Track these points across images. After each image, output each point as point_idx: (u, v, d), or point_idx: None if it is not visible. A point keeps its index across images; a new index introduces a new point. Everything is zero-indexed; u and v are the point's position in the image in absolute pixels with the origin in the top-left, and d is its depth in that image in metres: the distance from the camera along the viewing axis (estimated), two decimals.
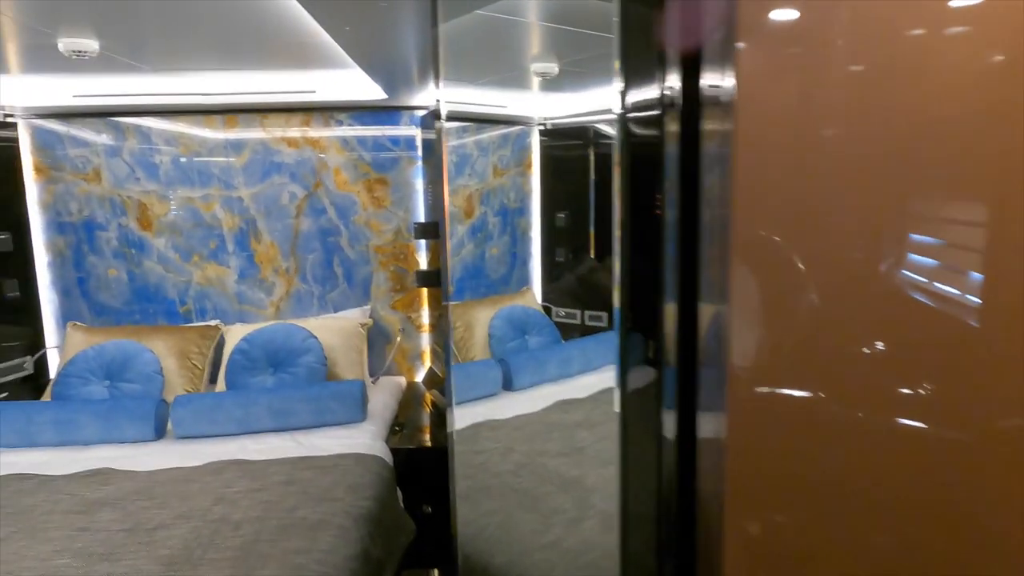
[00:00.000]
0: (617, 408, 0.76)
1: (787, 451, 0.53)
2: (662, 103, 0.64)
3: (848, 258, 0.51)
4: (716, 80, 0.54)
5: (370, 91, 2.81)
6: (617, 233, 0.72)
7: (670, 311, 0.65)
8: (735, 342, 0.51)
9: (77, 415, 2.38)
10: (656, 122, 0.65)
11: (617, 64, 0.70)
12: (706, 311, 0.63)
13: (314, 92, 2.85)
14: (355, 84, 2.75)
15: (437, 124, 1.68)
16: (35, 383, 2.99)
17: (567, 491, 1.91)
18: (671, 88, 0.62)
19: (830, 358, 0.53)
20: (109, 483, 2.06)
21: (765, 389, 0.52)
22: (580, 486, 1.95)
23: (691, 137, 0.59)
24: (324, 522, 1.77)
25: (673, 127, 0.62)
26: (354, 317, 3.11)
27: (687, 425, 0.63)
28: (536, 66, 2.45)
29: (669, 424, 0.66)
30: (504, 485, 1.96)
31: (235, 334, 2.91)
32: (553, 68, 2.46)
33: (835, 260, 0.51)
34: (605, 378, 2.97)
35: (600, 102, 3.58)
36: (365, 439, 2.38)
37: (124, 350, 2.67)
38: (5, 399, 2.87)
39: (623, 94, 0.69)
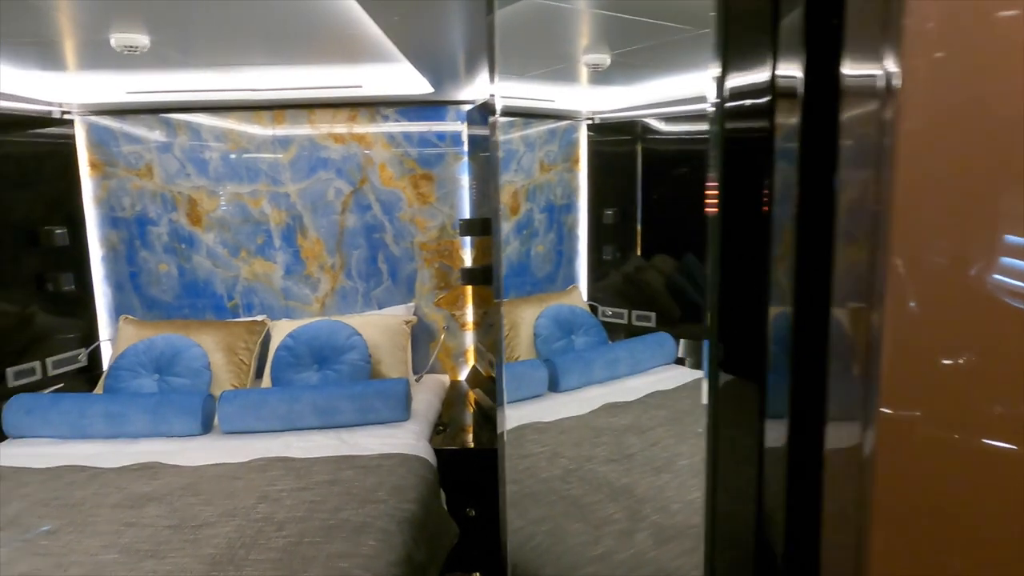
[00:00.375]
0: (705, 418, 0.68)
1: (927, 474, 0.46)
2: (773, 90, 0.56)
3: (932, 262, 0.44)
4: (863, 64, 0.47)
5: (417, 85, 2.77)
6: (711, 231, 0.64)
7: (774, 314, 0.57)
8: (887, 351, 0.44)
9: (127, 409, 2.40)
10: (765, 112, 0.57)
11: (715, 47, 0.62)
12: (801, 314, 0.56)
13: (361, 87, 2.82)
14: (402, 78, 2.71)
15: (491, 119, 1.62)
16: (89, 374, 3.06)
17: (617, 500, 1.83)
18: (789, 76, 0.54)
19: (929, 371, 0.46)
20: (157, 477, 2.06)
21: (915, 404, 0.45)
22: (631, 495, 1.87)
23: (819, 128, 0.51)
24: (367, 525, 1.73)
25: (789, 117, 0.54)
26: (398, 314, 3.08)
27: (802, 438, 0.55)
28: (587, 58, 2.37)
29: (773, 436, 0.59)
30: (552, 492, 1.89)
31: (281, 330, 2.91)
32: (605, 59, 2.37)
33: (920, 263, 0.44)
34: (653, 381, 2.88)
35: (652, 95, 3.47)
36: (409, 439, 2.34)
37: (173, 344, 2.69)
38: (61, 390, 2.94)
39: (720, 80, 0.62)
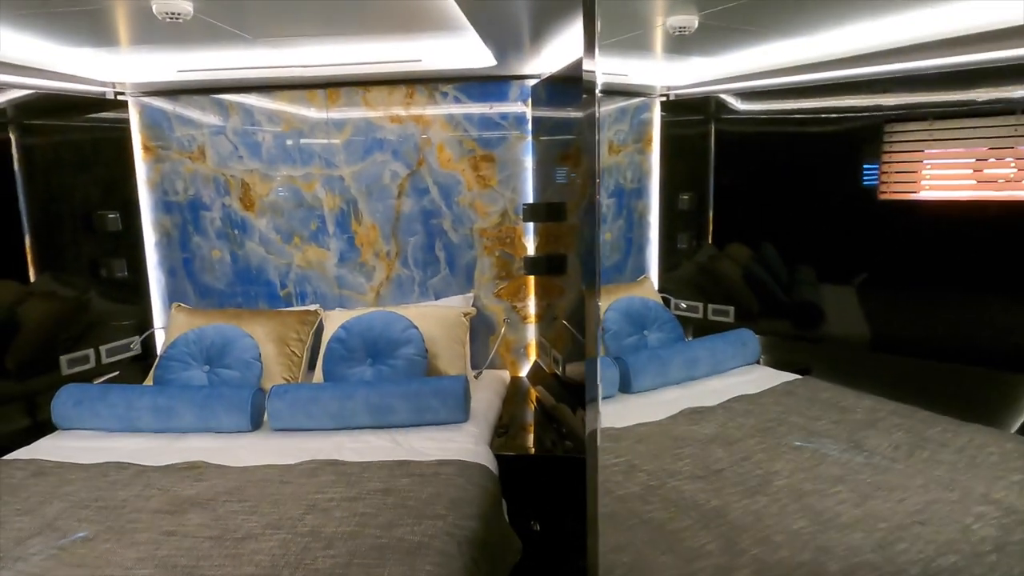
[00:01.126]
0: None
1: None
2: None
3: None
4: None
5: (479, 58, 2.56)
6: None
7: None
8: None
9: (175, 403, 2.29)
10: None
11: None
12: None
13: (419, 61, 2.62)
14: (463, 51, 2.50)
15: (584, 97, 1.39)
16: (143, 362, 2.98)
17: (708, 527, 1.58)
18: None
19: None
20: (202, 479, 1.93)
21: None
22: (723, 521, 1.62)
23: None
24: (424, 545, 1.54)
25: None
26: (456, 305, 2.89)
27: None
28: (672, 20, 2.09)
29: None
30: (631, 513, 1.66)
31: (334, 320, 2.76)
32: (692, 21, 2.09)
33: None
34: (736, 383, 2.58)
35: (734, 67, 3.14)
36: (468, 443, 2.15)
37: (224, 335, 2.57)
38: (115, 378, 2.87)
39: None
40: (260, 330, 2.69)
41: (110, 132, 2.95)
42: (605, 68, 2.78)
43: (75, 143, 2.81)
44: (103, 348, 2.84)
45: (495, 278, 3.02)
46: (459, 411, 2.28)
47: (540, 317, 3.03)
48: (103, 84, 2.89)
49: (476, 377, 2.84)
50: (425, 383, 2.32)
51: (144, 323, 3.08)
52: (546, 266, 2.70)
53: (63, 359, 2.67)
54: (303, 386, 2.34)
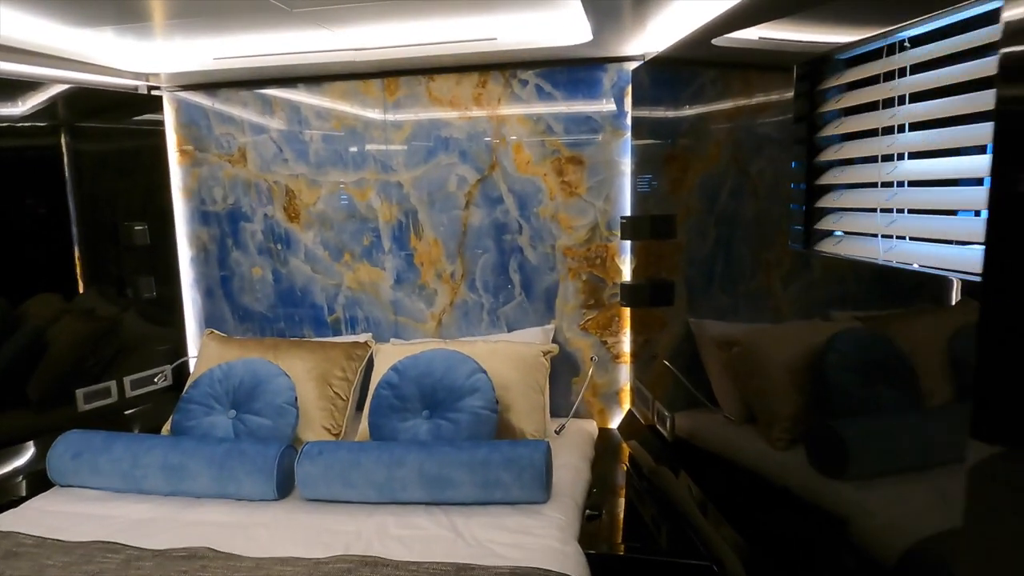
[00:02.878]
0: None
1: None
2: None
3: None
4: None
5: (568, 33, 2.03)
6: None
7: None
8: None
9: (189, 461, 1.86)
10: None
11: None
12: None
13: (494, 39, 2.12)
14: (549, 25, 1.98)
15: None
16: (175, 394, 2.59)
17: None
18: None
19: None
20: (203, 574, 1.47)
21: None
22: None
23: None
24: None
25: None
26: (534, 340, 2.36)
27: None
28: None
29: None
30: None
31: (386, 356, 2.29)
32: None
33: None
34: None
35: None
36: (550, 538, 1.61)
37: (255, 373, 2.13)
38: (142, 411, 2.51)
39: None
40: (300, 366, 2.25)
41: (146, 134, 2.60)
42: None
43: (113, 147, 2.49)
44: (127, 379, 2.47)
45: (581, 307, 2.47)
46: (538, 489, 1.74)
47: (636, 356, 2.46)
48: (136, 76, 2.54)
49: (558, 432, 2.29)
50: (495, 449, 1.79)
51: (178, 350, 2.70)
52: (649, 295, 2.13)
53: (79, 393, 2.31)
54: (342, 445, 1.86)
